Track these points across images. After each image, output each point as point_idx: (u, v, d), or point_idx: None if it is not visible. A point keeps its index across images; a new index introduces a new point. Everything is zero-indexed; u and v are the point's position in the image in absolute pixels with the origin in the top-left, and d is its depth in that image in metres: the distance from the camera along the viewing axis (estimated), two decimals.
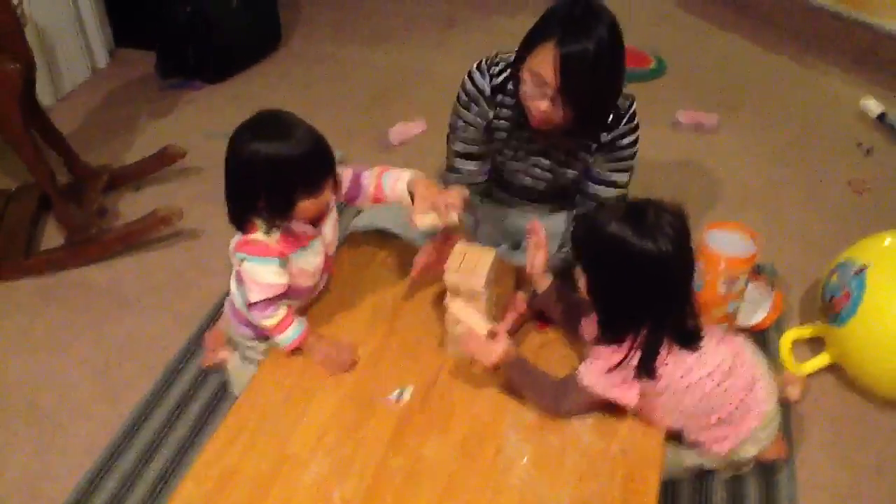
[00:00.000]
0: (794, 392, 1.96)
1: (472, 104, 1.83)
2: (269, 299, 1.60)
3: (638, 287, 1.39)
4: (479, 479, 1.44)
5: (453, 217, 1.59)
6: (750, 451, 1.66)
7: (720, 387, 1.51)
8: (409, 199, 1.67)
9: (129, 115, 3.25)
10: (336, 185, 1.60)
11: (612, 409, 1.56)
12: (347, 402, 1.58)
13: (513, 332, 1.67)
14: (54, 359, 2.15)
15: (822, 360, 2.05)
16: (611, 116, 1.77)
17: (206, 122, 3.18)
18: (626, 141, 1.80)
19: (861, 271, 1.93)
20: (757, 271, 2.24)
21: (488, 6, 4.11)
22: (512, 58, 1.78)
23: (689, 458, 1.69)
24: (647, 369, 1.44)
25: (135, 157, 2.89)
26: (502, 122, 1.85)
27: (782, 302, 2.24)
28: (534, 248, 1.65)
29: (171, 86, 3.45)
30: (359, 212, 2.15)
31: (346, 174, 1.72)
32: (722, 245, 1.98)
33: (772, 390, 1.63)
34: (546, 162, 1.90)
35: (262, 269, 1.58)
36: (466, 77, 1.84)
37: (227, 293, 1.79)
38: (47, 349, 2.18)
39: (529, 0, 4.10)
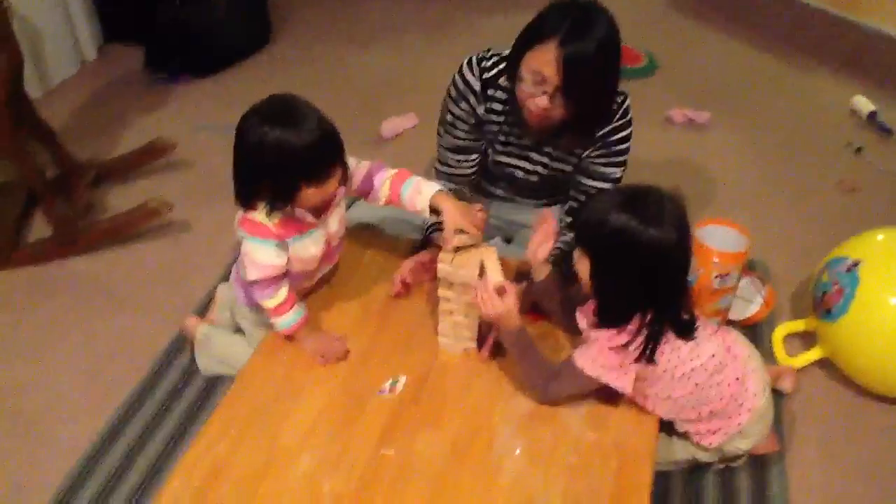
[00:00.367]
0: (787, 384, 1.97)
1: (462, 99, 1.83)
2: (268, 280, 1.60)
3: (641, 274, 1.39)
4: (471, 472, 1.44)
5: (479, 235, 1.61)
6: (741, 446, 1.66)
7: (712, 378, 1.51)
8: (428, 213, 1.68)
9: (118, 109, 3.22)
10: (345, 177, 1.60)
11: (604, 400, 1.56)
12: (339, 395, 1.58)
13: None
14: (42, 356, 2.12)
15: (813, 353, 2.05)
16: None
17: (194, 117, 3.16)
18: (619, 136, 1.80)
19: (853, 267, 1.93)
20: (749, 267, 2.24)
21: (480, 7, 4.10)
22: (505, 52, 1.77)
23: (682, 451, 1.69)
24: (650, 354, 1.43)
25: (123, 151, 2.86)
26: (493, 116, 1.84)
27: (774, 297, 2.24)
28: (542, 236, 1.64)
29: (159, 81, 3.42)
30: (350, 204, 2.15)
31: (360, 168, 1.72)
32: (714, 240, 1.98)
33: (764, 386, 1.63)
34: (538, 157, 1.89)
35: (259, 249, 1.58)
36: (457, 72, 1.84)
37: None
38: (35, 346, 2.16)
39: (521, 0, 4.12)
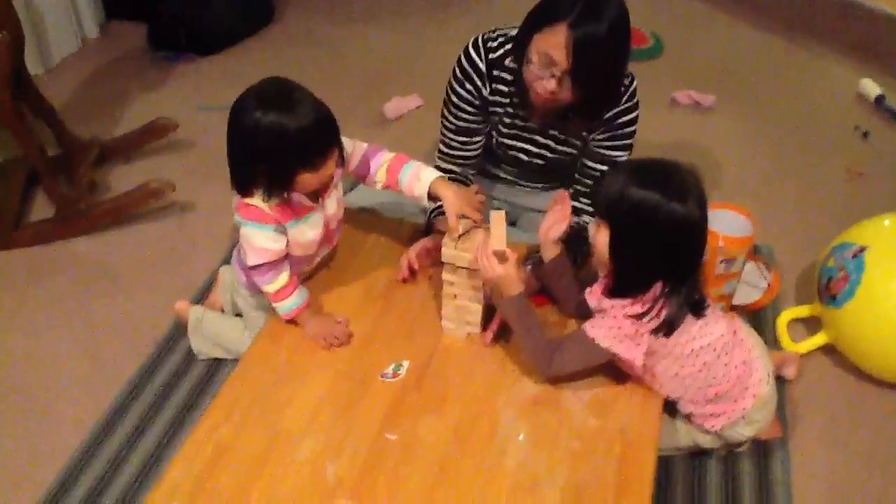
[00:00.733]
0: (790, 370, 1.96)
1: (466, 81, 1.81)
2: (269, 264, 1.60)
3: (661, 248, 1.39)
4: (473, 457, 1.43)
5: (480, 217, 1.61)
6: (744, 432, 1.66)
7: (720, 359, 1.51)
8: (426, 200, 1.68)
9: (120, 87, 3.20)
10: (342, 158, 1.58)
11: (609, 386, 1.55)
12: (341, 379, 1.57)
13: None
14: (43, 335, 2.12)
15: (818, 339, 2.04)
16: None
17: (197, 95, 3.14)
18: (625, 118, 1.78)
19: (860, 253, 1.91)
20: (754, 251, 2.23)
21: None
22: (512, 32, 1.75)
23: (685, 437, 1.68)
24: (669, 325, 1.43)
25: (125, 130, 2.84)
26: (498, 98, 1.83)
27: (779, 282, 2.23)
28: (557, 215, 1.63)
29: (162, 58, 3.40)
30: (352, 187, 2.13)
31: (357, 150, 1.70)
32: (720, 225, 1.97)
33: (769, 373, 1.62)
34: (543, 139, 1.88)
35: (257, 234, 1.57)
36: (462, 53, 1.81)
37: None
38: (36, 326, 2.15)
39: None
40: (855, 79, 3.25)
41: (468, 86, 1.81)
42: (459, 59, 1.82)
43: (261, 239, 1.57)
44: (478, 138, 1.90)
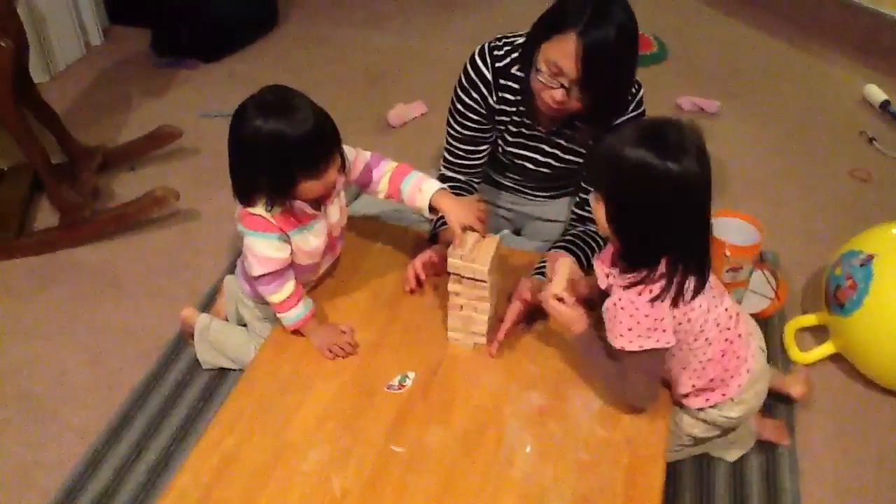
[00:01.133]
0: (797, 389, 1.91)
1: (472, 90, 1.80)
2: (273, 274, 1.59)
3: (663, 212, 1.31)
4: (480, 469, 1.42)
5: (484, 227, 1.60)
6: (732, 414, 1.58)
7: (722, 334, 1.47)
8: (427, 212, 1.67)
9: (124, 93, 3.20)
10: (343, 165, 1.58)
11: (616, 397, 1.54)
12: (347, 389, 1.56)
13: (518, 321, 1.65)
14: (48, 344, 2.12)
15: (826, 349, 2.03)
16: None
17: (201, 101, 3.14)
18: None
19: (867, 261, 1.90)
20: (761, 259, 2.22)
21: None
22: (517, 41, 1.74)
23: (678, 430, 1.64)
24: (681, 294, 1.36)
25: (129, 137, 2.84)
26: (505, 106, 1.82)
27: (785, 290, 2.22)
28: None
29: (166, 64, 3.39)
30: (356, 196, 2.13)
31: (360, 159, 1.70)
32: (726, 233, 1.96)
33: (761, 347, 1.59)
34: (549, 148, 1.87)
35: (261, 243, 1.56)
36: (468, 61, 1.81)
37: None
38: (41, 334, 2.15)
39: None
40: (860, 83, 3.24)
41: (474, 94, 1.80)
42: (465, 67, 1.81)
43: (265, 248, 1.57)
44: (483, 147, 1.89)
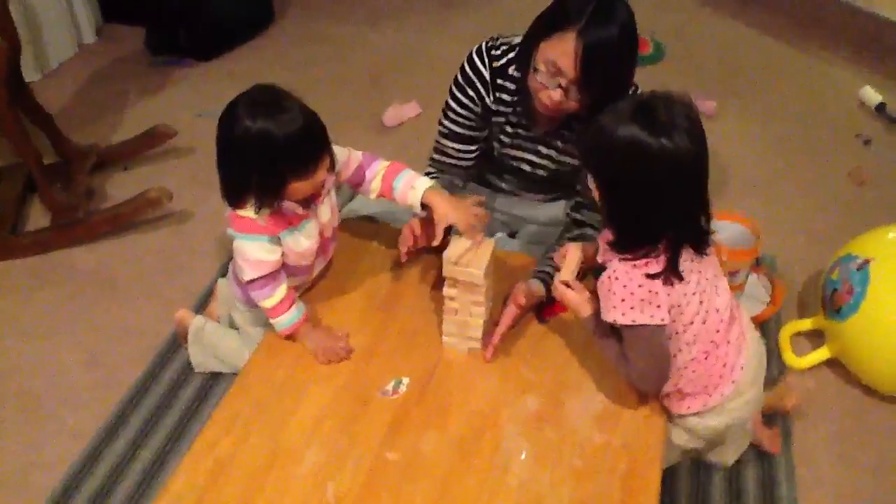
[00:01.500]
0: (789, 401, 1.90)
1: (469, 87, 1.79)
2: (265, 277, 1.57)
3: (657, 189, 1.28)
4: (476, 475, 1.41)
5: (474, 230, 1.56)
6: (713, 421, 1.54)
7: (708, 335, 1.44)
8: (419, 209, 1.65)
9: (118, 92, 3.18)
10: (332, 164, 1.56)
11: (612, 399, 1.53)
12: (342, 393, 1.55)
13: (513, 325, 1.64)
14: (43, 345, 2.11)
15: (822, 353, 2.03)
16: None
17: (196, 100, 3.12)
18: None
19: (864, 266, 1.90)
20: (757, 263, 2.21)
21: None
22: (515, 41, 1.73)
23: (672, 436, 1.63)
24: (674, 271, 1.34)
25: (123, 137, 2.83)
26: (502, 107, 1.81)
27: (781, 294, 2.21)
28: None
29: (160, 63, 3.38)
30: (351, 197, 2.11)
31: (352, 159, 1.68)
32: (723, 237, 1.96)
33: (759, 362, 1.56)
34: (545, 149, 1.86)
35: (251, 246, 1.55)
36: (465, 60, 1.79)
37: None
38: (36, 335, 2.14)
39: None
40: (858, 84, 3.24)
41: (470, 92, 1.79)
42: (463, 66, 1.80)
43: (255, 250, 1.55)
44: (473, 147, 1.87)
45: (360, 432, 1.48)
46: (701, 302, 1.40)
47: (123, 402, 1.95)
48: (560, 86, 1.57)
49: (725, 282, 1.46)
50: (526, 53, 1.64)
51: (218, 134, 1.48)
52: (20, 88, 2.41)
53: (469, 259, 1.52)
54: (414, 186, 1.65)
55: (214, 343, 1.93)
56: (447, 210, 1.58)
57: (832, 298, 1.97)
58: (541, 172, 1.90)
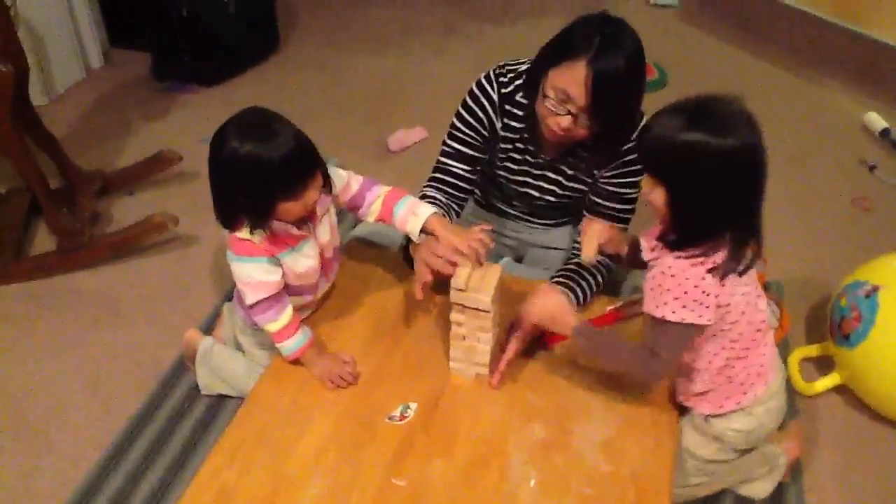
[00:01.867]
0: (791, 450, 1.82)
1: (478, 109, 1.79)
2: (269, 300, 1.57)
3: (724, 185, 1.31)
4: (483, 502, 1.40)
5: (473, 257, 1.55)
6: (740, 423, 1.55)
7: (751, 334, 1.47)
8: (417, 236, 1.64)
9: (124, 117, 3.20)
10: (327, 186, 1.56)
11: (619, 427, 1.52)
12: (348, 420, 1.54)
13: (520, 351, 1.62)
14: (44, 370, 2.09)
15: (831, 380, 2.01)
16: None
17: (201, 125, 3.12)
18: (634, 156, 1.76)
19: (873, 293, 1.89)
20: (765, 288, 2.20)
21: (488, 15, 4.08)
22: (521, 67, 1.74)
23: (692, 469, 1.62)
24: (733, 264, 1.36)
25: (129, 161, 2.83)
26: (509, 133, 1.81)
27: (789, 320, 2.20)
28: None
29: (166, 88, 3.40)
30: (356, 222, 2.11)
31: (353, 183, 1.68)
32: None
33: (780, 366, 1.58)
34: (553, 175, 1.86)
35: (250, 268, 1.55)
36: (474, 85, 1.80)
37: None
38: (37, 360, 2.12)
39: (528, 9, 4.09)
40: (860, 110, 3.25)
41: (479, 114, 1.79)
42: (471, 90, 1.80)
43: (254, 272, 1.55)
44: (474, 170, 1.86)
45: (366, 459, 1.46)
46: (748, 302, 1.43)
47: (124, 430, 1.92)
48: (570, 112, 1.58)
49: (762, 291, 1.50)
50: (533, 80, 1.65)
51: (209, 156, 1.49)
52: (27, 112, 2.42)
53: (476, 285, 1.52)
54: (416, 213, 1.65)
55: (222, 366, 1.92)
56: (451, 237, 1.58)
57: (841, 325, 1.96)
58: (549, 198, 1.90)
